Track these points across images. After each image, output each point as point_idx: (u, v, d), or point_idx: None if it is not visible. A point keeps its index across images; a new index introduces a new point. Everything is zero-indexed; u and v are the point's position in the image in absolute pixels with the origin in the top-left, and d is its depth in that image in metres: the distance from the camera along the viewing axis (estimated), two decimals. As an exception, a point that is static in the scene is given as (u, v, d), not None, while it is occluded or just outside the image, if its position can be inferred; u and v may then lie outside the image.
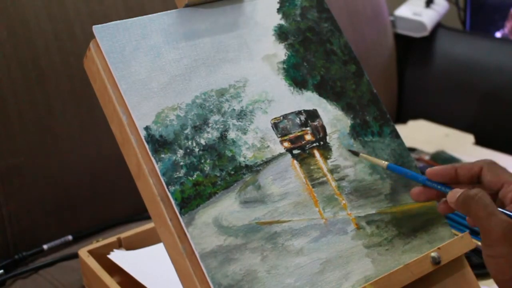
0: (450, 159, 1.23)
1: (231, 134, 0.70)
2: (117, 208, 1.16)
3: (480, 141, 1.41)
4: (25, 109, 1.04)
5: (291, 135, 0.73)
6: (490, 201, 0.57)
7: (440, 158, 1.25)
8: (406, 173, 0.68)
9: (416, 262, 0.70)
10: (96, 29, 0.67)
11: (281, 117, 0.73)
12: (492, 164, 0.61)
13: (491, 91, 1.50)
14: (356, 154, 0.73)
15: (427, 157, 1.27)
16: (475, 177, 0.62)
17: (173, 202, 0.63)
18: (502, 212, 0.56)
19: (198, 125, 0.68)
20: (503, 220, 0.55)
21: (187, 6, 0.73)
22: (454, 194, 0.61)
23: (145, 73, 0.68)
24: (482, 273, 0.93)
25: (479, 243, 0.95)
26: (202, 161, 0.67)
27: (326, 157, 0.73)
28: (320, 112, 0.75)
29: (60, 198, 1.09)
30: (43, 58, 1.05)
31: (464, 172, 0.62)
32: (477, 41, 1.62)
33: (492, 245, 0.55)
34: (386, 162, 0.70)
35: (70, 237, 1.09)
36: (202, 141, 0.68)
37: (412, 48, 1.65)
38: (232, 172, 0.68)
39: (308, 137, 0.74)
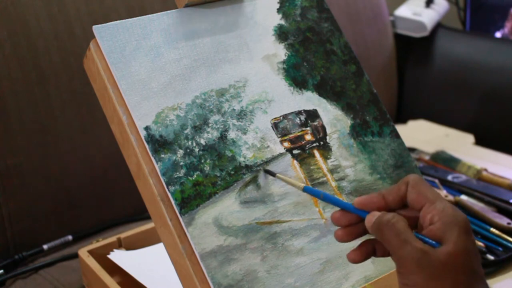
0: (450, 159, 1.23)
1: (231, 134, 0.70)
2: (117, 208, 1.16)
3: (480, 141, 1.41)
4: (25, 109, 1.04)
5: (291, 135, 0.73)
6: (405, 227, 0.54)
7: (440, 158, 1.25)
8: (321, 196, 0.63)
9: (416, 262, 0.70)
10: (96, 29, 0.67)
11: (281, 117, 0.73)
12: (416, 181, 0.57)
13: (491, 91, 1.50)
14: (272, 174, 0.69)
15: (427, 157, 1.27)
16: (404, 198, 0.57)
17: (173, 202, 0.63)
18: (418, 237, 0.53)
19: (198, 125, 0.68)
20: (416, 249, 0.52)
21: (187, 6, 0.73)
22: (371, 218, 0.56)
23: (145, 73, 0.68)
24: (482, 273, 0.93)
25: (479, 243, 0.95)
26: (202, 161, 0.67)
27: (326, 157, 0.73)
28: (320, 112, 0.75)
29: (60, 198, 1.09)
30: (43, 58, 1.05)
31: (392, 196, 0.57)
32: (477, 41, 1.62)
33: (406, 274, 0.53)
34: (303, 184, 0.66)
35: (70, 237, 1.09)
36: (202, 141, 0.68)
37: (412, 48, 1.65)
38: (232, 172, 0.68)
39: (308, 137, 0.74)
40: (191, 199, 0.65)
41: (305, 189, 0.65)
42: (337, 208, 0.60)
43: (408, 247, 0.52)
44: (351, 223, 0.59)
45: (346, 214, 0.59)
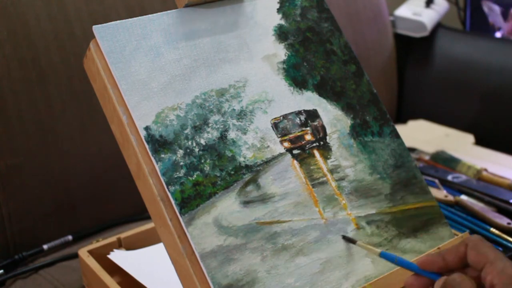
0: (450, 159, 1.23)
1: (231, 134, 0.70)
2: (117, 208, 1.16)
3: (480, 141, 1.41)
4: (25, 109, 1.03)
5: (291, 135, 0.73)
6: (470, 285, 0.55)
7: (440, 158, 1.25)
8: (397, 262, 0.64)
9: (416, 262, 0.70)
10: (96, 29, 0.67)
11: (281, 117, 0.73)
12: (475, 242, 0.58)
13: (491, 91, 1.50)
14: (353, 242, 0.69)
15: (427, 157, 1.27)
16: (464, 258, 0.58)
17: (173, 202, 0.63)
18: None
19: (198, 125, 0.68)
20: None
21: (187, 6, 0.73)
22: (438, 283, 0.58)
23: (145, 73, 0.68)
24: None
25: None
26: (202, 161, 0.67)
27: (326, 157, 0.73)
28: (320, 112, 0.75)
29: (60, 198, 1.09)
30: (43, 58, 1.05)
31: (451, 257, 0.59)
32: (477, 41, 1.62)
33: None
34: (379, 251, 0.66)
35: (70, 237, 1.09)
36: (202, 141, 0.68)
37: (412, 48, 1.65)
38: (232, 172, 0.68)
39: (308, 137, 0.74)
40: (191, 199, 0.65)
41: (381, 255, 0.66)
42: None
43: None
44: (425, 286, 0.60)
45: (418, 279, 0.61)
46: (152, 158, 0.65)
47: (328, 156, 0.74)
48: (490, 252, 0.57)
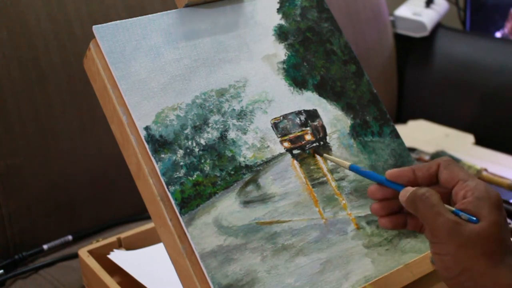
0: (450, 159, 1.23)
1: (231, 134, 0.70)
2: (117, 208, 1.16)
3: (480, 141, 1.41)
4: (25, 109, 1.04)
5: (291, 135, 0.73)
6: (438, 200, 0.57)
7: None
8: (366, 174, 0.66)
9: (416, 262, 0.70)
10: (96, 29, 0.67)
11: (281, 117, 0.73)
12: (448, 162, 0.61)
13: (491, 91, 1.50)
14: (320, 155, 0.72)
15: (427, 157, 1.27)
16: (433, 176, 0.61)
17: (173, 202, 0.63)
18: (449, 209, 0.57)
19: (198, 125, 0.68)
20: (448, 220, 0.55)
21: (187, 6, 0.73)
22: (405, 193, 0.60)
23: (145, 73, 0.68)
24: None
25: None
26: (202, 161, 0.67)
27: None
28: (320, 112, 0.75)
29: (60, 198, 1.09)
30: (43, 58, 1.05)
31: (422, 173, 0.61)
32: (477, 41, 1.62)
33: (439, 243, 0.56)
34: (349, 163, 0.68)
35: (70, 237, 1.09)
36: (202, 141, 0.68)
37: (412, 48, 1.65)
38: (232, 172, 0.68)
39: (308, 137, 0.74)
40: (191, 199, 0.65)
41: (351, 168, 0.68)
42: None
43: (441, 218, 0.56)
44: (385, 197, 0.63)
45: (380, 188, 0.64)
46: (152, 158, 0.65)
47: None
48: (462, 172, 0.60)
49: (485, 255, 0.55)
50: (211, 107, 0.70)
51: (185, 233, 0.63)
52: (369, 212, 0.71)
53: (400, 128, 0.97)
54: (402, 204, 0.61)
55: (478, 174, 1.17)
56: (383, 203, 0.64)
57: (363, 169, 0.67)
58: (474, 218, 0.55)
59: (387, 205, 0.64)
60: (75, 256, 1.00)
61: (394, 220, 0.64)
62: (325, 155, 0.72)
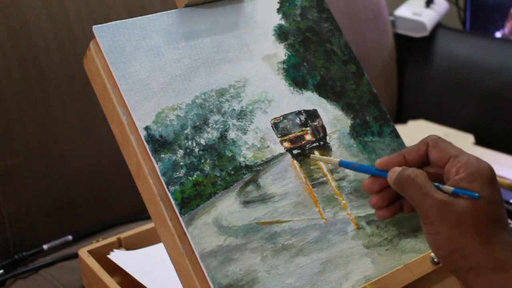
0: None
1: (231, 134, 0.70)
2: (117, 208, 1.16)
3: (480, 141, 1.41)
4: (25, 109, 1.04)
5: (291, 135, 0.73)
6: (425, 180, 0.57)
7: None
8: (356, 166, 0.65)
9: (416, 262, 0.70)
10: (96, 29, 0.67)
11: (281, 117, 0.73)
12: (437, 140, 0.60)
13: (491, 91, 1.50)
14: (307, 156, 0.71)
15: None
16: (424, 157, 0.60)
17: (173, 202, 0.63)
18: (437, 187, 0.56)
19: (198, 125, 0.68)
20: (437, 200, 0.55)
21: (187, 6, 0.73)
22: (393, 174, 0.59)
23: (145, 73, 0.68)
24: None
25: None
26: (202, 161, 0.67)
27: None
28: (320, 112, 0.75)
29: (60, 198, 1.09)
30: (43, 58, 1.05)
31: (412, 155, 0.60)
32: (477, 41, 1.62)
33: (430, 224, 0.56)
34: (338, 159, 0.67)
35: (70, 237, 1.09)
36: (202, 141, 0.68)
37: (412, 48, 1.65)
38: (232, 172, 0.68)
39: (308, 137, 0.74)
40: (191, 199, 0.65)
41: (340, 164, 0.67)
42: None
43: (429, 199, 0.55)
44: (382, 187, 0.62)
45: (376, 180, 0.62)
46: (152, 158, 0.65)
47: (328, 156, 0.73)
48: (452, 149, 0.59)
49: (476, 232, 0.54)
50: (211, 107, 0.70)
51: (185, 233, 0.63)
52: (369, 212, 0.71)
53: (400, 128, 0.97)
54: (391, 186, 0.60)
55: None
56: (381, 194, 0.62)
57: (353, 164, 0.66)
58: (477, 194, 0.54)
59: (386, 195, 0.62)
60: (75, 256, 1.00)
61: (392, 209, 0.63)
62: (312, 155, 0.71)
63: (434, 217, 0.55)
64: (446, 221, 0.55)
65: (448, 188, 0.56)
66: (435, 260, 0.70)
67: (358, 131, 0.76)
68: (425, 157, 0.60)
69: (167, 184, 0.64)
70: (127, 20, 0.69)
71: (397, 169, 0.59)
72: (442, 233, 0.55)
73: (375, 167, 0.62)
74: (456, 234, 0.54)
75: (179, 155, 0.66)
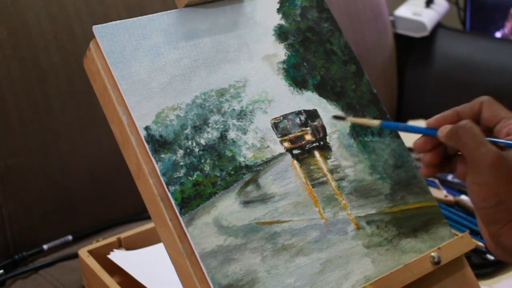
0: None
1: (231, 134, 0.70)
2: (117, 208, 1.16)
3: (480, 141, 1.41)
4: (25, 109, 1.04)
5: (291, 135, 0.73)
6: (480, 132, 0.57)
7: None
8: (400, 127, 0.65)
9: (416, 262, 0.70)
10: (96, 29, 0.67)
11: (281, 117, 0.73)
12: (490, 101, 0.61)
13: (491, 91, 1.49)
14: (342, 118, 0.73)
15: (427, 157, 1.26)
16: (476, 115, 0.61)
17: (173, 202, 0.63)
18: (491, 141, 0.56)
19: (198, 125, 0.68)
20: (491, 150, 0.55)
21: (187, 6, 0.73)
22: (445, 128, 0.60)
23: (145, 73, 0.68)
24: (482, 273, 0.93)
25: (479, 243, 0.95)
26: (202, 161, 0.67)
27: (326, 157, 0.73)
28: (320, 112, 0.75)
29: (60, 198, 1.09)
30: (43, 58, 1.05)
31: (466, 113, 0.61)
32: (477, 41, 1.62)
33: (479, 173, 0.56)
34: (378, 121, 0.67)
35: (70, 237, 1.09)
36: (202, 141, 0.68)
37: (412, 48, 1.65)
38: (232, 172, 0.68)
39: (308, 137, 0.74)
40: (191, 199, 0.65)
41: (382, 125, 0.67)
42: None
43: (483, 148, 0.56)
44: (434, 146, 0.63)
45: (427, 139, 0.63)
46: (152, 158, 0.65)
47: (328, 156, 0.74)
48: (503, 110, 0.60)
49: None
50: (211, 107, 0.70)
51: (185, 233, 0.63)
52: (369, 212, 0.71)
53: (400, 128, 0.97)
54: (441, 140, 0.60)
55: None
56: (433, 152, 0.63)
57: (397, 125, 0.65)
58: None
59: (438, 154, 0.63)
60: (75, 256, 1.00)
61: (439, 168, 0.63)
62: (350, 118, 0.72)
63: (486, 167, 0.55)
64: (498, 173, 0.55)
65: (501, 141, 0.57)
66: (435, 260, 0.70)
67: (358, 131, 0.76)
68: (477, 116, 0.61)
69: (167, 184, 0.64)
70: (127, 20, 0.69)
71: (449, 126, 0.60)
72: (491, 184, 0.55)
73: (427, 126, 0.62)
74: (503, 188, 0.55)
75: (179, 155, 0.66)
